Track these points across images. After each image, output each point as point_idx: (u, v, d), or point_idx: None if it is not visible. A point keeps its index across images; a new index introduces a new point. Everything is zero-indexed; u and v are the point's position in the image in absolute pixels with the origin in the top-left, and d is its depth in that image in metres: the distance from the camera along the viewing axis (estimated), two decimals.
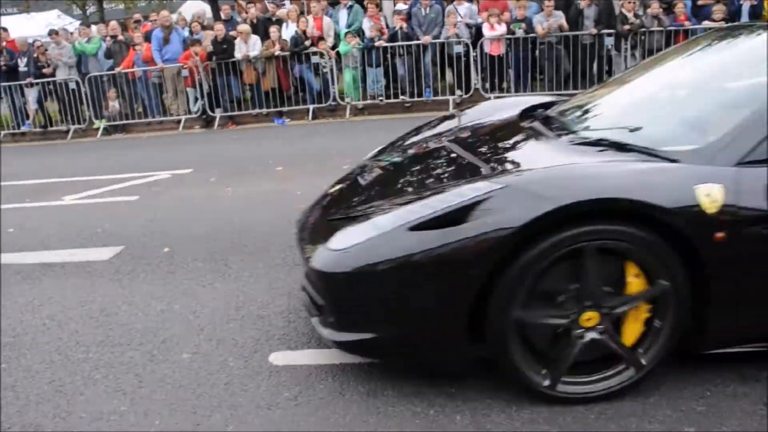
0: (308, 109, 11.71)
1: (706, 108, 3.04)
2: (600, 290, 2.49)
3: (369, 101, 11.71)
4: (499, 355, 2.52)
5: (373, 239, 2.57)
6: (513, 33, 10.83)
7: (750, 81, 2.94)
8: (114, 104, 12.31)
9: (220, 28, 11.76)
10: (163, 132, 12.10)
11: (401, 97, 11.51)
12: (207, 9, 16.57)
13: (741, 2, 10.38)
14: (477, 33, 11.27)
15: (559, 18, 10.81)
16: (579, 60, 10.83)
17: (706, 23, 10.10)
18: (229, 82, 11.78)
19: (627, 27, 10.55)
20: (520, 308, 2.44)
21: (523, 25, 10.79)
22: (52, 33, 13.32)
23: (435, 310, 2.52)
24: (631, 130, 2.93)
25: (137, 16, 14.02)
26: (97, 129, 12.38)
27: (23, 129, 12.94)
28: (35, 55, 12.75)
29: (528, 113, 3.82)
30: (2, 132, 13.04)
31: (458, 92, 11.38)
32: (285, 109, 11.76)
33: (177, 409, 2.76)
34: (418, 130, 4.20)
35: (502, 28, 10.80)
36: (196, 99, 11.97)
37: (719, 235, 2.39)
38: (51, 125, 12.79)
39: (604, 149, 2.87)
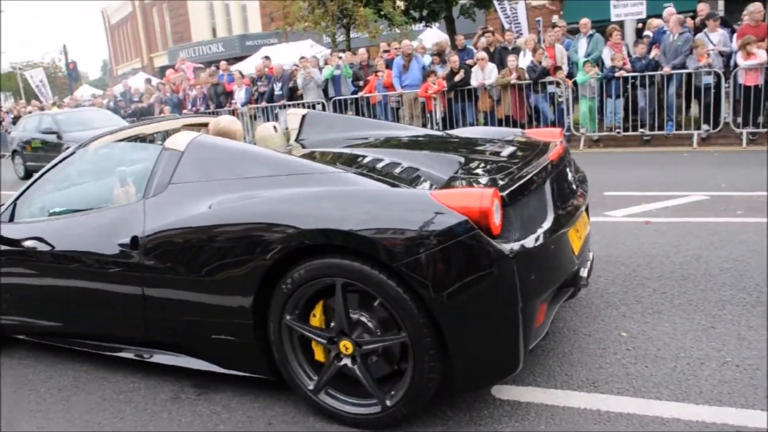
0: None
1: None
2: None
3: (605, 133, 11.32)
4: None
5: None
6: None
7: None
8: None
9: (454, 60, 12.08)
10: None
11: (640, 129, 10.95)
12: (446, 37, 17.15)
13: None
14: (728, 61, 10.41)
15: None
16: None
17: None
18: (464, 109, 12.05)
19: None
20: None
21: None
22: (303, 59, 14.60)
23: None
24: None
25: (384, 45, 14.83)
26: None
27: None
28: (290, 82, 14.09)
29: None
30: None
31: (705, 127, 10.55)
32: None
33: None
34: None
35: (761, 55, 9.83)
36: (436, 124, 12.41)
37: None
38: None
39: None
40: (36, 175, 4.07)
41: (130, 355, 3.53)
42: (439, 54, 12.95)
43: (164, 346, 3.40)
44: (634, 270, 4.59)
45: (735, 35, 10.51)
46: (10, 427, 3.18)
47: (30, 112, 20.75)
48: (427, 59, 13.07)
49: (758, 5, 10.42)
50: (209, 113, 14.73)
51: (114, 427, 3.07)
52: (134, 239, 3.23)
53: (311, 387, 2.94)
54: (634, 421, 2.74)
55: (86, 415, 3.20)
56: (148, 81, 20.64)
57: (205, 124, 4.38)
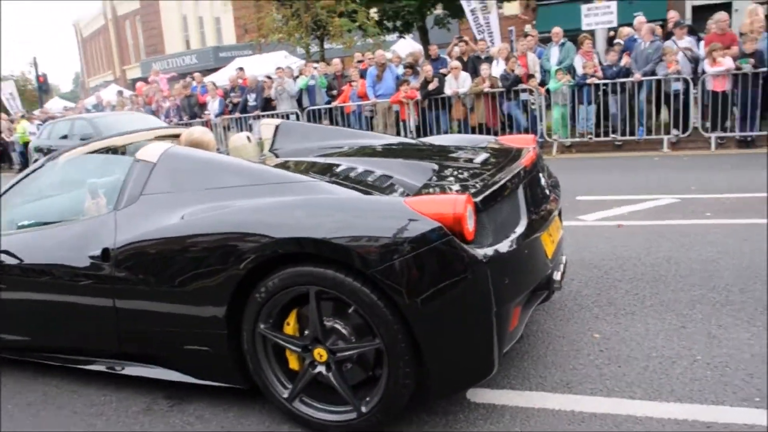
0: None
1: None
2: None
3: (577, 139, 11.44)
4: None
5: None
6: (740, 69, 9.99)
7: None
8: None
9: (428, 70, 12.16)
10: None
11: (612, 135, 11.09)
12: (420, 47, 17.23)
13: None
14: (696, 68, 10.59)
15: None
16: None
17: None
18: (438, 117, 12.11)
19: None
20: None
21: (751, 60, 9.88)
22: (278, 70, 14.59)
23: None
24: None
25: (358, 55, 14.86)
26: None
27: None
28: (264, 92, 14.05)
29: None
30: None
31: (674, 131, 10.72)
32: None
33: None
34: None
35: (727, 62, 10.00)
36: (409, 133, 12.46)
37: None
38: None
39: None
40: (2, 189, 3.99)
41: (101, 368, 3.48)
42: (412, 66, 12.98)
43: (137, 357, 3.36)
44: (607, 272, 4.63)
45: (702, 43, 10.71)
46: None
47: None
48: (401, 69, 13.12)
49: (724, 14, 10.66)
50: (183, 125, 14.64)
51: None
52: (105, 251, 3.20)
53: (286, 395, 2.92)
54: (608, 421, 2.76)
55: (57, 430, 3.14)
56: (120, 93, 20.48)
57: (178, 136, 4.35)
